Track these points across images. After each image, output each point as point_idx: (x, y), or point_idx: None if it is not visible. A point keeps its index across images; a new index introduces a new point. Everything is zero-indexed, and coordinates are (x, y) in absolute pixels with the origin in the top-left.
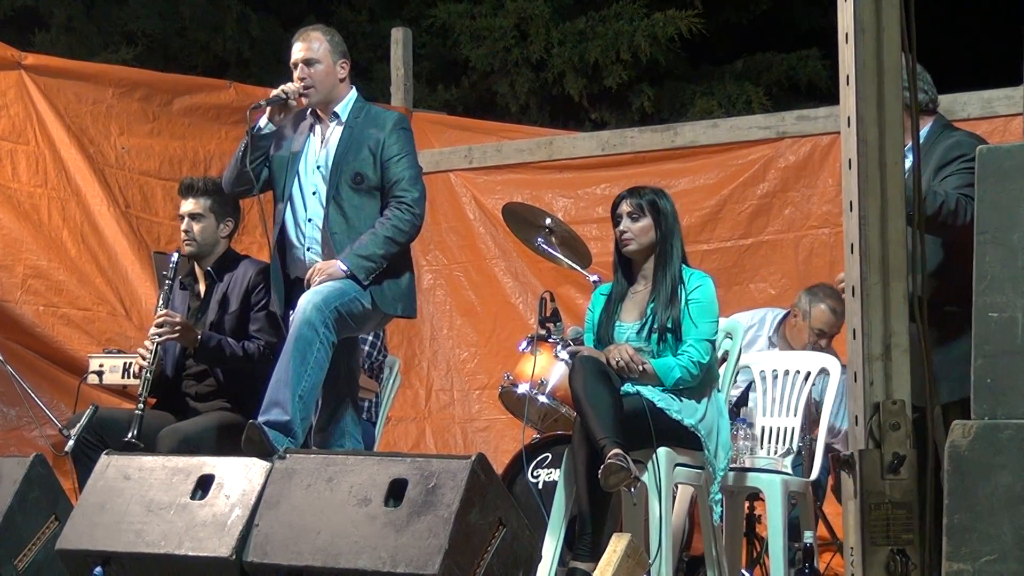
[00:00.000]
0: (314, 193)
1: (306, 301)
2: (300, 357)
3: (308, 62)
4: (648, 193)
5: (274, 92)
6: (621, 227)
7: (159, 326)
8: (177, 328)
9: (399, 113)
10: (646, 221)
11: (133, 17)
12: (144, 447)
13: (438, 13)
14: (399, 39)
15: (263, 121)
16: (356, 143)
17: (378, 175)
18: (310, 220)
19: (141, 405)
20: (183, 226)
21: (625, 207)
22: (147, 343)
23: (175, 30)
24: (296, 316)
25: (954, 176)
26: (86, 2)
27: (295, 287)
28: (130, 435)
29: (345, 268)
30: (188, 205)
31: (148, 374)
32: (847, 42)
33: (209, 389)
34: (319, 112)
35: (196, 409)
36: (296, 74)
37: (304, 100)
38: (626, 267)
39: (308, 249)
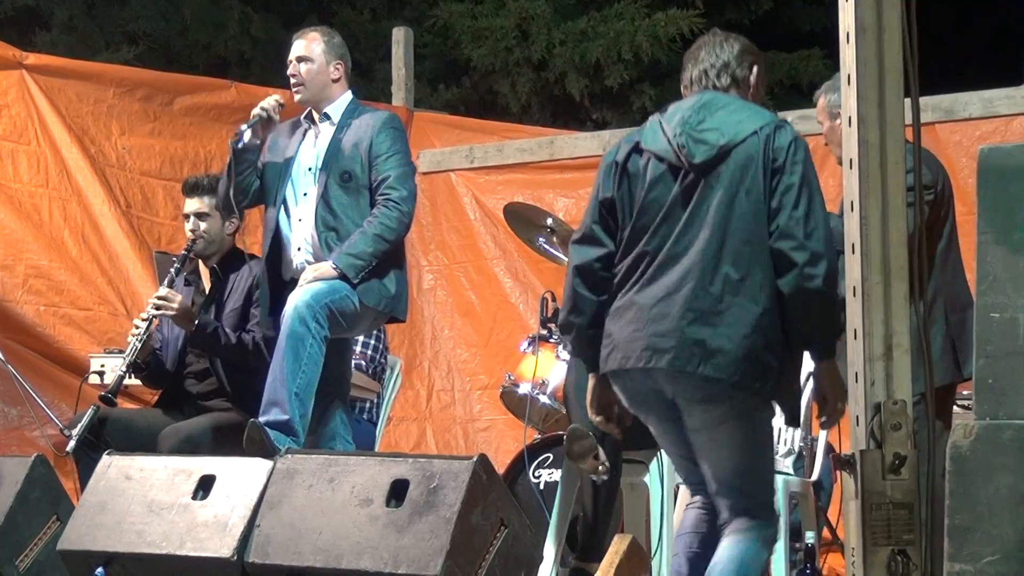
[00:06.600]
0: (305, 195)
1: (296, 298)
2: (293, 354)
3: (300, 59)
4: None
5: (253, 112)
6: None
7: (158, 298)
8: (174, 307)
9: (389, 112)
10: None
11: (134, 17)
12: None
13: (439, 13)
14: (400, 39)
15: (247, 136)
16: (346, 142)
17: (366, 173)
18: (300, 221)
19: (124, 367)
20: (189, 225)
21: None
22: (143, 315)
23: (176, 30)
24: (286, 313)
25: None
26: (87, 2)
27: (289, 288)
28: (107, 391)
29: (335, 267)
30: (194, 204)
31: (137, 341)
32: (848, 42)
33: (210, 388)
34: (313, 115)
35: (197, 409)
36: (288, 70)
37: (297, 98)
38: None
39: (298, 249)
